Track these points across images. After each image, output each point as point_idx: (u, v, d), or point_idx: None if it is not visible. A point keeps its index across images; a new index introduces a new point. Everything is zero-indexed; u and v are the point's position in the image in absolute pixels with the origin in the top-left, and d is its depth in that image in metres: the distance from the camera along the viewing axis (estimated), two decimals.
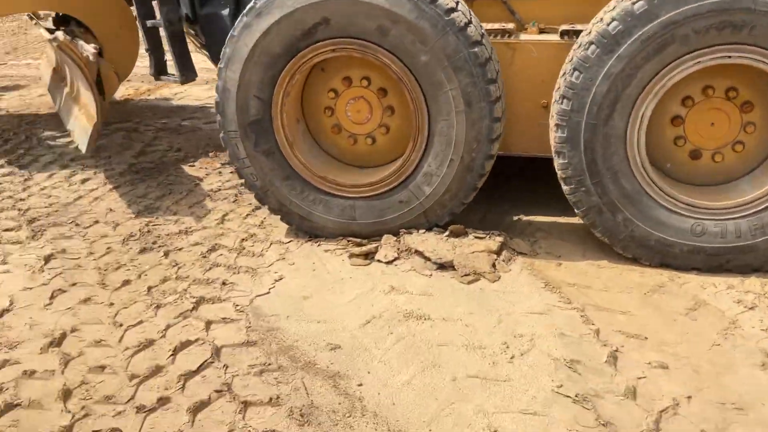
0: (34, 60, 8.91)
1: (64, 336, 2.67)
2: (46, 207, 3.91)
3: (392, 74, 3.05)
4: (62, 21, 5.04)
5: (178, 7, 3.97)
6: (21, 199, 4.02)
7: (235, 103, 3.20)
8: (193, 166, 4.52)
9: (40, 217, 3.76)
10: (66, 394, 2.33)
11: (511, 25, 3.30)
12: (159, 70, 4.35)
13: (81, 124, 3.98)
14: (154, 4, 4.18)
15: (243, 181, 3.41)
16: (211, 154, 4.72)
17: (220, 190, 4.09)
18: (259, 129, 3.24)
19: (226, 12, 3.89)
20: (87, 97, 3.92)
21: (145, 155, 4.73)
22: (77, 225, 3.66)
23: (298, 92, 3.29)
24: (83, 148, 3.76)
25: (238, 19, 3.11)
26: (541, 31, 3.36)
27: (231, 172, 4.36)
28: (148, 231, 3.57)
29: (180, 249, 3.38)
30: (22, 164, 4.62)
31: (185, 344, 2.60)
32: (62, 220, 3.72)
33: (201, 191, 4.07)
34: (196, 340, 2.63)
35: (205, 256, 3.30)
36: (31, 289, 3.05)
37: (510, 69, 3.23)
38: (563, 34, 3.21)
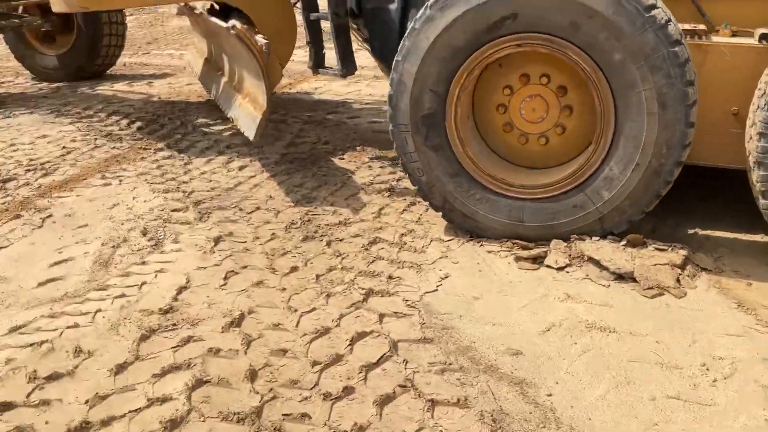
0: (175, 50, 9.35)
1: (242, 317, 2.72)
2: (208, 191, 4.04)
3: (579, 72, 2.92)
4: (220, 12, 5.21)
5: (345, 0, 4.00)
6: (184, 182, 4.18)
7: (410, 97, 3.17)
8: (343, 158, 4.55)
9: (204, 200, 3.88)
10: (252, 375, 2.36)
11: (701, 26, 3.09)
12: (318, 63, 4.40)
13: (247, 113, 4.08)
14: None
15: (407, 175, 3.38)
16: (358, 148, 4.73)
17: (372, 183, 4.08)
18: (431, 123, 3.19)
19: (393, 6, 3.87)
20: (256, 86, 4.02)
21: (296, 146, 4.81)
22: (240, 210, 3.75)
23: (472, 87, 3.22)
24: (251, 136, 3.85)
25: (421, 11, 3.07)
26: (734, 34, 3.14)
27: (381, 167, 4.36)
28: (309, 220, 3.60)
29: (341, 240, 3.39)
30: (180, 148, 4.81)
31: (361, 335, 2.58)
32: (226, 204, 3.82)
33: (354, 184, 4.08)
34: (371, 332, 2.60)
35: (366, 249, 3.28)
36: (204, 268, 3.13)
37: (698, 72, 3.02)
38: (762, 37, 2.97)
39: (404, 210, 3.71)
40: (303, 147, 4.80)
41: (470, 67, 3.06)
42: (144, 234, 3.48)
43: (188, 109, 5.81)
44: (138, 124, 5.43)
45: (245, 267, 3.14)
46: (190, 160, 4.57)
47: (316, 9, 4.31)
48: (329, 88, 6.56)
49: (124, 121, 5.50)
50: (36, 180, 4.27)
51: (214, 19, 4.20)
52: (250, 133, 3.88)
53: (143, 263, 3.19)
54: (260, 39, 3.73)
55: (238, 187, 4.08)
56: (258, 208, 3.77)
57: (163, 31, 11.63)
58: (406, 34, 3.13)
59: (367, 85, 6.59)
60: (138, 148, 4.84)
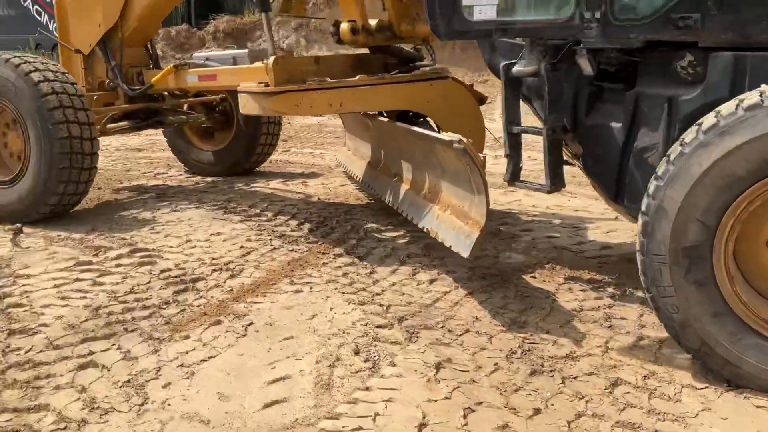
0: (311, 149, 9.52)
1: None
2: (405, 305, 3.81)
3: None
4: (400, 117, 5.18)
5: (563, 117, 3.83)
6: (377, 294, 3.97)
7: (671, 226, 2.88)
8: (535, 277, 4.26)
9: (406, 317, 3.65)
10: None
11: None
12: (515, 175, 4.21)
13: (453, 227, 3.89)
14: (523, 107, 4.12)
15: (655, 310, 3.04)
16: (547, 266, 4.44)
17: (582, 310, 3.75)
18: (694, 256, 2.87)
19: (617, 125, 3.66)
20: (466, 199, 3.84)
21: (479, 259, 4.56)
22: (450, 331, 3.48)
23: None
24: (464, 252, 3.64)
25: (690, 134, 2.83)
26: None
27: (582, 290, 4.03)
28: (528, 350, 3.29)
29: (575, 377, 3.04)
30: (359, 255, 4.66)
31: None
32: (431, 323, 3.57)
33: (563, 309, 3.76)
34: None
35: (610, 392, 2.92)
36: (435, 401, 2.84)
37: None
38: None
39: (634, 346, 3.34)
40: (486, 260, 4.55)
41: (750, 198, 2.75)
42: (356, 353, 3.24)
43: (353, 212, 5.72)
44: (308, 225, 5.36)
45: (480, 403, 2.83)
46: (373, 268, 4.39)
47: (518, 122, 4.16)
48: None
49: (293, 222, 5.45)
50: (225, 281, 4.18)
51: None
52: (461, 249, 3.67)
53: (367, 389, 2.93)
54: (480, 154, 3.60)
55: (436, 303, 3.83)
56: (467, 331, 3.50)
57: (292, 128, 11.98)
58: (670, 157, 2.88)
59: (525, 195, 6.36)
60: (316, 252, 4.72)
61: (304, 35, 19.58)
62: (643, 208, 2.99)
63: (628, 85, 3.65)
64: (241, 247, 4.85)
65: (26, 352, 3.31)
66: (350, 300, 3.88)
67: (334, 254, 4.67)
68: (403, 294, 3.98)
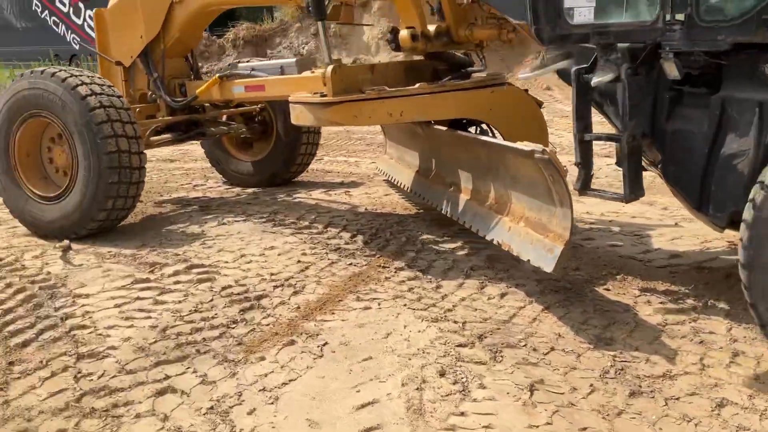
0: (344, 157, 9.40)
1: None
2: (481, 322, 3.67)
3: None
4: (454, 125, 5.04)
5: (643, 122, 3.69)
6: (448, 310, 3.84)
7: None
8: (608, 290, 4.10)
9: (485, 335, 3.51)
10: None
11: None
12: (585, 184, 4.06)
13: (531, 240, 3.74)
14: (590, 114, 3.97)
15: (761, 326, 2.89)
16: (618, 277, 4.29)
17: (666, 324, 3.59)
18: None
19: (701, 129, 3.51)
20: (544, 211, 3.70)
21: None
22: (534, 350, 3.34)
23: None
24: (548, 267, 3.50)
25: None
26: None
27: (661, 303, 3.87)
28: (621, 369, 3.14)
29: (677, 398, 2.90)
30: (420, 268, 4.52)
31: None
32: (513, 341, 3.43)
33: (646, 324, 3.60)
34: None
35: (718, 413, 2.77)
36: (537, 427, 2.70)
37: None
38: None
39: (730, 363, 3.18)
40: None
41: None
42: (442, 375, 3.11)
43: (405, 223, 5.58)
44: (361, 237, 5.23)
45: (584, 429, 2.69)
46: (438, 282, 4.26)
47: (590, 129, 4.02)
48: None
49: (346, 234, 5.33)
50: (289, 298, 4.06)
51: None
52: (544, 264, 3.53)
53: (462, 414, 2.80)
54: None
55: (513, 319, 3.69)
56: (553, 349, 3.35)
57: (321, 136, 11.87)
58: None
59: (577, 201, 6.18)
60: (376, 265, 4.59)
61: None
62: (748, 219, 2.85)
63: (710, 89, 3.50)
64: (298, 261, 4.73)
65: (99, 377, 3.21)
66: (422, 317, 3.75)
67: (394, 268, 4.54)
68: (476, 309, 3.84)
